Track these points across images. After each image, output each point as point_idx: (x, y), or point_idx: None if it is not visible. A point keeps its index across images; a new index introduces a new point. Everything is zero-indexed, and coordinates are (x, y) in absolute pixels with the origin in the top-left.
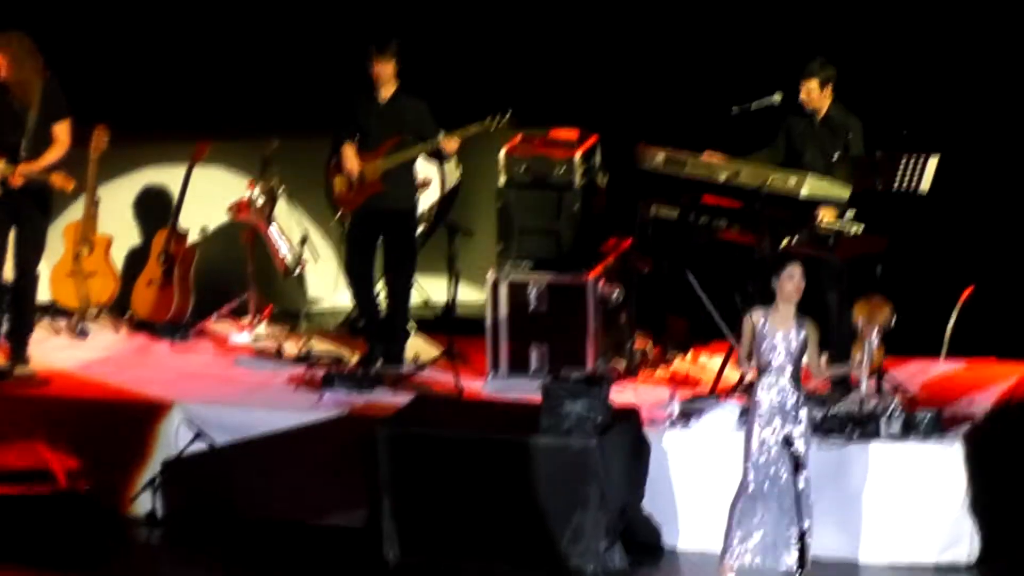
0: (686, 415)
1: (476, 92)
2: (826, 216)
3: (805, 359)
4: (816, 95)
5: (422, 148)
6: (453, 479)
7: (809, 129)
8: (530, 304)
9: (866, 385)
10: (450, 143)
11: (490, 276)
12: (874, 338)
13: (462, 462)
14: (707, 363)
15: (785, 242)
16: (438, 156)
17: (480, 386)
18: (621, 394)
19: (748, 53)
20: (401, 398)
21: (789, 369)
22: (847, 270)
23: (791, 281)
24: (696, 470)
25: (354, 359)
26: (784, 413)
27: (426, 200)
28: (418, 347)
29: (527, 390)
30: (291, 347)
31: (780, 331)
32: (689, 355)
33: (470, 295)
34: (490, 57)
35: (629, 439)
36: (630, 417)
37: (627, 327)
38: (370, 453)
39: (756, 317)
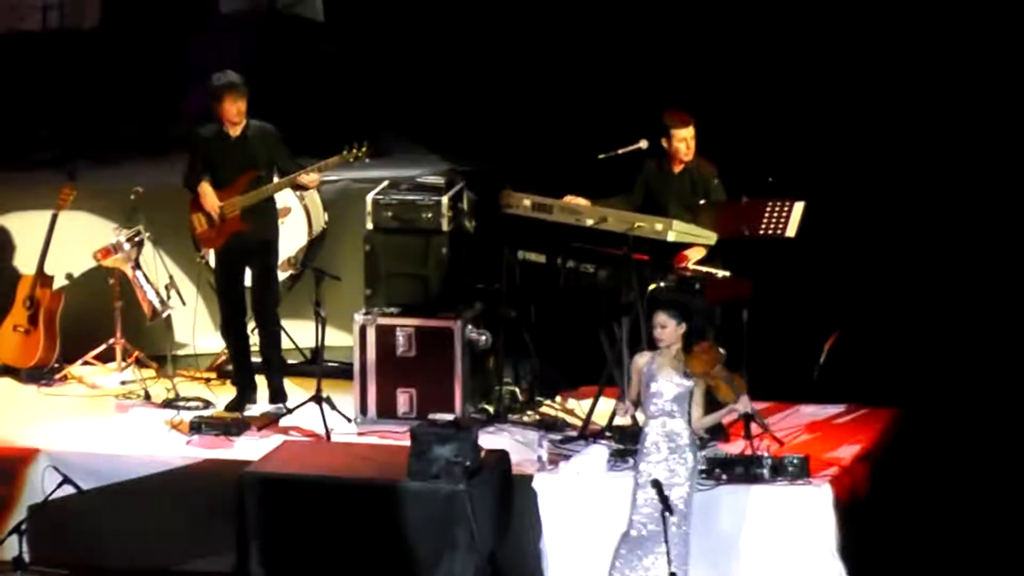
0: (555, 458)
1: (337, 127)
2: (693, 256)
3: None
4: (692, 144)
5: (280, 185)
6: (322, 523)
7: (670, 176)
8: (398, 348)
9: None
10: (308, 178)
11: (357, 319)
12: (717, 381)
13: (330, 506)
14: (576, 406)
15: (652, 287)
16: (297, 188)
17: (348, 430)
18: (490, 438)
19: (612, 99)
20: (269, 442)
21: (676, 412)
22: (718, 312)
23: (662, 330)
24: (566, 513)
25: (222, 403)
26: (668, 457)
27: (292, 244)
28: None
29: (396, 434)
30: (158, 391)
31: (663, 375)
32: (558, 398)
33: (338, 339)
34: (357, 94)
35: (498, 483)
36: (499, 461)
37: (495, 371)
38: (238, 498)
39: (641, 361)
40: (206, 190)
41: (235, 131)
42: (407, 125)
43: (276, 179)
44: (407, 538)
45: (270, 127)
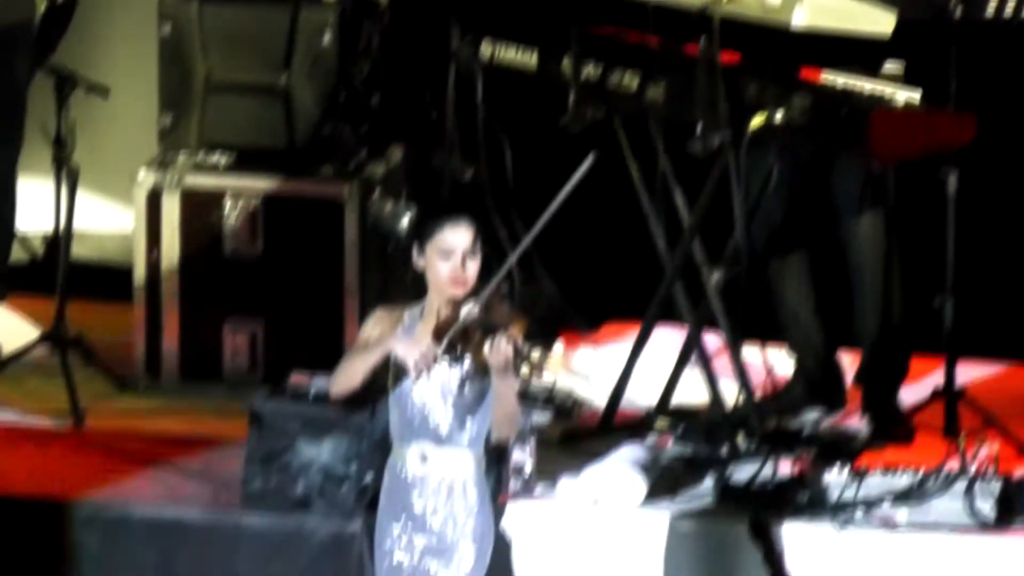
0: (550, 470)
1: None
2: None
3: None
4: None
5: None
6: None
7: None
8: (228, 239)
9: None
10: None
11: (143, 180)
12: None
13: (88, 560)
14: (592, 363)
15: (761, 118)
16: None
17: (123, 407)
18: None
19: None
20: None
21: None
22: (892, 177)
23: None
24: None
25: None
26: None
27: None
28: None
29: (219, 416)
30: None
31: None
32: (559, 347)
33: (103, 219)
34: None
35: None
36: None
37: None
38: None
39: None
40: None
41: None
42: None
43: None
44: None
45: None
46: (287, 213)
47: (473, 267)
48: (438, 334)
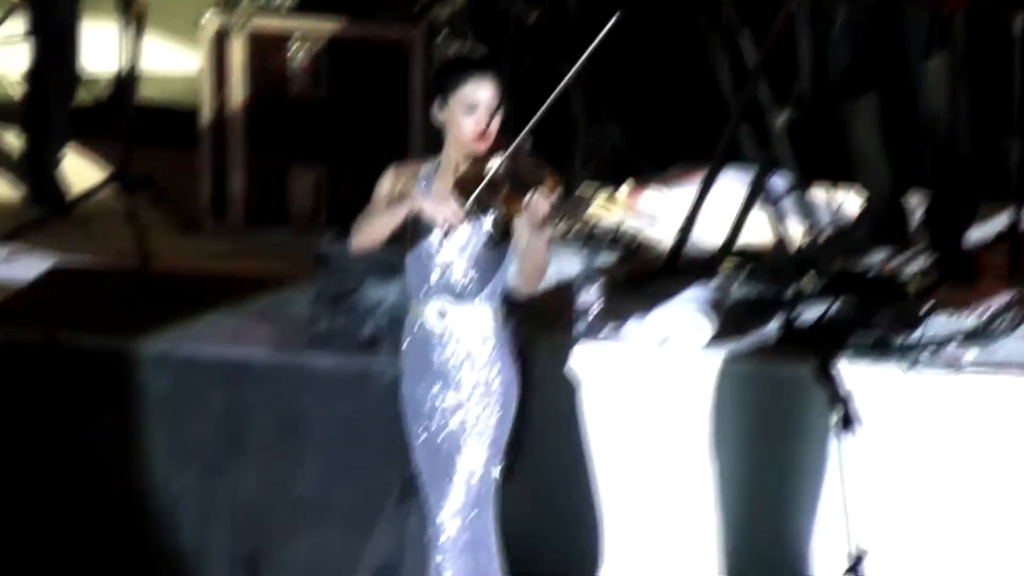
0: (618, 311)
1: None
2: None
3: None
4: None
5: None
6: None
7: None
8: (290, 81)
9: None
10: None
11: (209, 21)
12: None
13: (144, 399)
14: (658, 204)
15: None
16: None
17: (190, 250)
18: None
19: None
20: (15, 269)
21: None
22: (960, 20)
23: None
24: (632, 418)
25: None
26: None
27: None
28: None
29: (286, 256)
30: None
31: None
32: (624, 188)
33: (169, 60)
34: None
35: None
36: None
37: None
38: None
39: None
40: None
41: None
42: None
43: None
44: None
45: None
46: (352, 56)
47: (496, 123)
48: (461, 189)
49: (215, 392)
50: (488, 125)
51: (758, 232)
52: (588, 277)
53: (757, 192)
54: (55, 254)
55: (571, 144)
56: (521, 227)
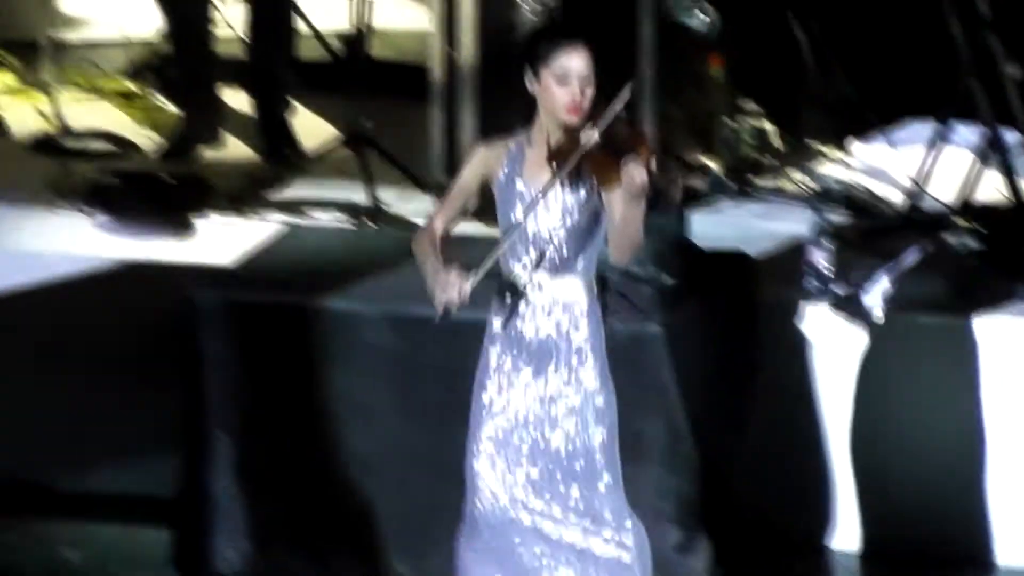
0: (853, 270)
1: None
2: None
3: None
4: None
5: None
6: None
7: None
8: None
9: None
10: None
11: None
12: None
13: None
14: (887, 161)
15: None
16: None
17: (415, 206)
18: (711, 221)
19: None
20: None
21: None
22: None
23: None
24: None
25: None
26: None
27: None
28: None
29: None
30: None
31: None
32: (850, 145)
33: (400, 16)
34: None
35: (724, 319)
36: (732, 274)
37: (721, 84)
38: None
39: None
40: None
41: None
42: None
43: None
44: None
45: None
46: (582, 7)
47: (589, 93)
48: (555, 160)
49: (441, 351)
50: (582, 95)
51: (991, 188)
52: (819, 234)
53: (990, 147)
54: (288, 213)
55: (799, 96)
56: (616, 197)
